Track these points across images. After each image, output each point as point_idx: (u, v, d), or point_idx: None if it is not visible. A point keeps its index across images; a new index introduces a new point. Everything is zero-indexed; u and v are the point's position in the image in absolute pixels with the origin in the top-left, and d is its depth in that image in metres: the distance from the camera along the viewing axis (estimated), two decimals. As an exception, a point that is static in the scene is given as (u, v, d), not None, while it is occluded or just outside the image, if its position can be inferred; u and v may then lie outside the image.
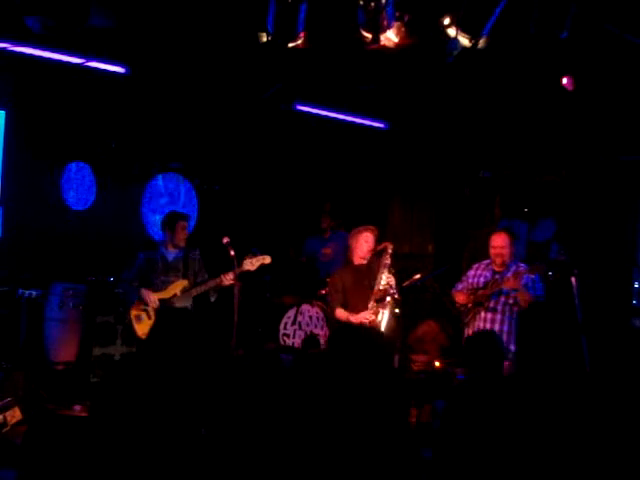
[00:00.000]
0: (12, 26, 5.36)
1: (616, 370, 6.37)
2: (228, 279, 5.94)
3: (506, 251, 5.84)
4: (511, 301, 5.76)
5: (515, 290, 5.69)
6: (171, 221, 6.14)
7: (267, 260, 6.06)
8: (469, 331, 5.88)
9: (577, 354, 6.01)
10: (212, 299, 6.12)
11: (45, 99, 7.03)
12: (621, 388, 5.30)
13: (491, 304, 5.83)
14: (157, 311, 5.87)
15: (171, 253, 6.10)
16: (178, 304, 5.95)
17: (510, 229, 6.49)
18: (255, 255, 6.02)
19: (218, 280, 5.97)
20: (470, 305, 5.91)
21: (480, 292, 5.87)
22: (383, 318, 5.81)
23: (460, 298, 5.99)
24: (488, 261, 6.01)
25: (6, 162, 6.91)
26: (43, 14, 4.79)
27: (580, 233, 7.77)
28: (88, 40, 5.85)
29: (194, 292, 6.02)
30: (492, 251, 5.89)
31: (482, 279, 5.95)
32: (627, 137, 7.34)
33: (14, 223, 7.01)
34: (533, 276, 5.82)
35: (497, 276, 5.85)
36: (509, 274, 5.78)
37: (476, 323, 5.87)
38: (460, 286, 6.09)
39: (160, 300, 5.96)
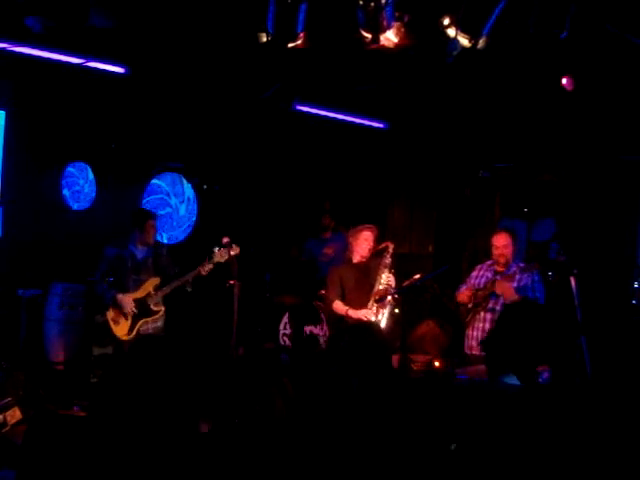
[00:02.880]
0: (12, 26, 5.36)
1: (616, 370, 6.37)
2: (205, 269, 5.94)
3: (509, 250, 5.87)
4: None
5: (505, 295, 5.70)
6: (140, 219, 6.11)
7: (236, 251, 6.03)
8: (469, 331, 5.90)
9: (577, 354, 6.00)
10: (188, 289, 6.11)
11: (45, 99, 7.04)
12: (621, 388, 5.30)
13: (490, 304, 5.84)
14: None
15: (140, 251, 6.09)
16: (152, 302, 5.99)
17: (511, 228, 6.51)
18: (225, 247, 6.01)
19: (195, 272, 5.98)
20: (470, 305, 5.92)
21: (480, 292, 5.89)
22: (383, 318, 5.82)
23: (461, 298, 6.02)
24: (490, 262, 6.02)
25: (6, 162, 6.92)
26: (43, 14, 4.79)
27: (580, 233, 7.76)
28: (88, 40, 5.85)
29: (167, 289, 6.03)
30: (495, 251, 5.90)
31: (483, 280, 5.97)
32: (627, 137, 7.34)
33: (14, 223, 7.02)
34: (534, 276, 5.82)
35: (498, 276, 5.86)
36: (509, 272, 5.79)
37: (476, 323, 5.89)
38: (463, 287, 6.11)
39: (135, 300, 5.99)
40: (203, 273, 5.98)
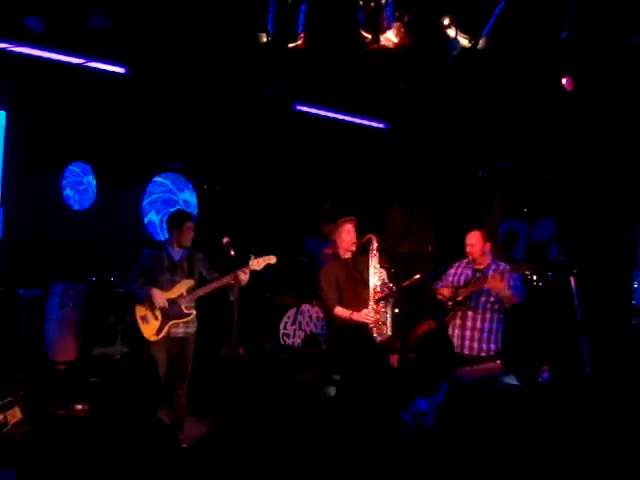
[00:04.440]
0: (12, 26, 5.36)
1: (616, 371, 6.37)
2: (244, 278, 5.76)
3: (475, 249, 5.84)
4: (492, 299, 5.73)
5: (497, 290, 5.67)
6: (178, 220, 5.98)
7: (272, 260, 5.92)
8: (451, 331, 5.83)
9: (577, 354, 6.00)
10: (231, 298, 5.96)
11: (45, 99, 7.04)
12: (621, 388, 5.30)
13: (471, 303, 5.81)
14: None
15: (177, 253, 5.93)
16: (184, 304, 5.83)
17: (498, 230, 6.50)
18: (261, 255, 5.88)
19: (231, 277, 5.77)
20: (450, 304, 5.86)
21: (461, 290, 5.84)
22: (387, 318, 5.80)
23: (445, 291, 5.93)
24: (467, 260, 5.98)
25: (6, 162, 6.93)
26: (43, 14, 4.80)
27: (580, 233, 7.77)
28: (88, 40, 5.85)
29: (200, 292, 5.89)
30: (465, 248, 5.93)
31: (462, 277, 5.92)
32: (627, 137, 7.34)
33: (14, 223, 7.03)
34: (513, 275, 5.78)
35: (478, 274, 5.83)
36: (490, 272, 5.76)
37: (456, 322, 5.84)
38: (440, 284, 6.05)
39: (167, 300, 5.89)
40: (242, 283, 5.80)
